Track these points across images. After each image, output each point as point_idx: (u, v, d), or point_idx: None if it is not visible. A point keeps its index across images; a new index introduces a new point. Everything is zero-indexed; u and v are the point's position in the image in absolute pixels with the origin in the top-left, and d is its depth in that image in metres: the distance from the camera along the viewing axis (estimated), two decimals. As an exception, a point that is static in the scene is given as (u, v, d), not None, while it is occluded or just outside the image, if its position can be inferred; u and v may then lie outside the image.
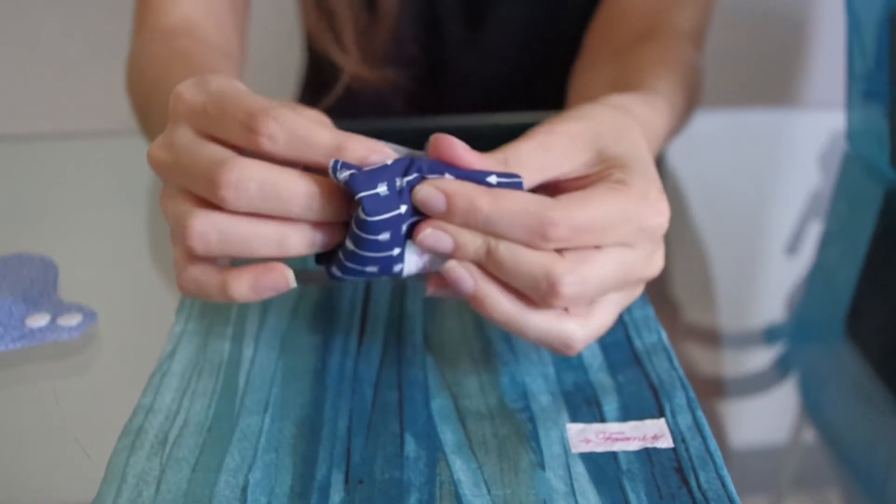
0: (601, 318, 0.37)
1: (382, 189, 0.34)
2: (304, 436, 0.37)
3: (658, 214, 0.37)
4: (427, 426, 0.37)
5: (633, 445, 0.36)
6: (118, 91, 0.63)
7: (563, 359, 0.41)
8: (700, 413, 0.37)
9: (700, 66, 0.64)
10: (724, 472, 0.34)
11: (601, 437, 0.36)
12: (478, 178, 0.35)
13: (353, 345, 0.42)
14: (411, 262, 0.36)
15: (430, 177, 0.35)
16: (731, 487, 0.33)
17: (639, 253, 0.37)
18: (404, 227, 0.35)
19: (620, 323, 0.43)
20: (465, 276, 0.35)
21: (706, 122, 0.69)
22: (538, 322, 0.36)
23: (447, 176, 0.35)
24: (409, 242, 0.36)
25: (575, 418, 0.37)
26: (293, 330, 0.43)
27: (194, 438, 0.36)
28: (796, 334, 0.48)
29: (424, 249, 0.35)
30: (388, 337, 0.43)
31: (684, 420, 0.37)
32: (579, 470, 0.35)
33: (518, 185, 0.35)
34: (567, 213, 0.34)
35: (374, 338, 0.43)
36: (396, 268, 0.36)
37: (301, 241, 0.36)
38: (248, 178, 0.34)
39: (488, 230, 0.35)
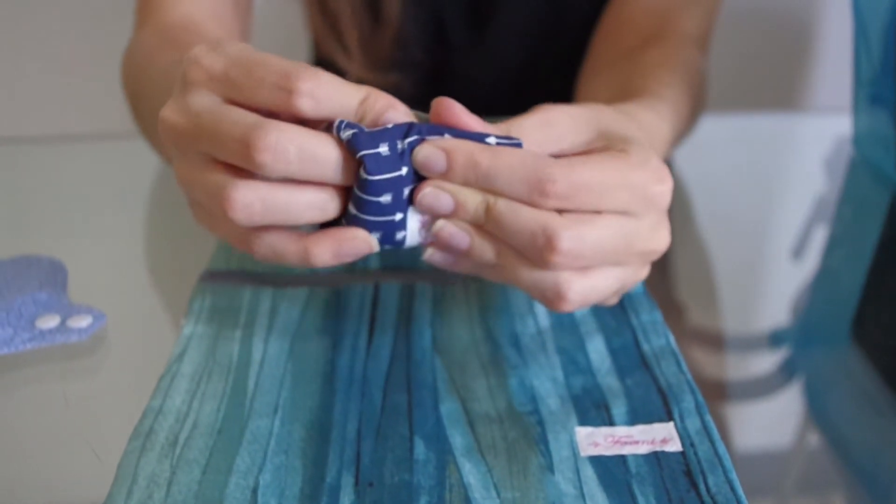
0: (598, 279, 0.36)
1: (384, 149, 0.35)
2: (314, 438, 0.37)
3: (659, 182, 0.36)
4: (436, 429, 0.37)
5: (642, 449, 0.36)
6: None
7: (572, 362, 0.41)
8: (708, 417, 0.37)
9: (705, 70, 0.64)
10: (733, 476, 0.34)
11: (610, 441, 0.36)
12: (477, 138, 0.36)
13: (361, 347, 0.42)
14: (413, 231, 0.36)
15: (431, 138, 0.35)
16: (740, 491, 0.33)
17: (640, 223, 0.36)
18: (406, 192, 0.35)
19: (629, 327, 0.43)
20: (459, 232, 0.36)
21: (712, 127, 0.69)
22: (532, 269, 0.36)
23: (447, 136, 0.36)
24: (411, 209, 0.36)
25: (584, 422, 0.37)
26: (302, 332, 0.43)
27: (204, 440, 0.36)
28: (802, 338, 0.48)
29: (424, 209, 0.36)
30: (397, 339, 0.43)
31: (693, 424, 0.37)
32: (588, 473, 0.35)
33: (517, 146, 0.36)
34: (567, 171, 0.34)
35: (383, 340, 0.43)
36: (399, 235, 0.36)
37: (338, 205, 0.36)
38: (287, 140, 0.33)
39: (487, 186, 0.35)
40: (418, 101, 0.77)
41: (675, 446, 0.36)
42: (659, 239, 0.38)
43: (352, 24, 0.71)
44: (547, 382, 0.40)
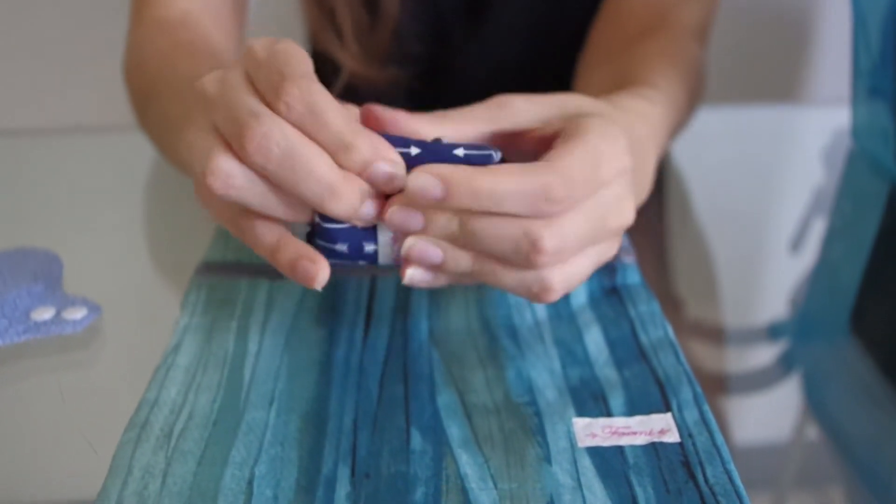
0: (578, 264, 0.37)
1: None
2: (310, 430, 0.36)
3: (616, 156, 0.36)
4: (433, 420, 0.37)
5: (640, 440, 0.36)
6: (123, 86, 0.63)
7: (570, 353, 0.41)
8: (707, 408, 0.37)
9: (703, 61, 0.64)
10: (732, 467, 0.34)
11: (607, 432, 0.36)
12: (446, 150, 0.36)
13: (358, 339, 0.42)
14: (385, 244, 0.36)
15: (400, 150, 0.35)
16: (739, 482, 0.33)
17: (608, 200, 0.36)
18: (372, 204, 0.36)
19: (626, 318, 0.43)
20: (430, 247, 0.35)
21: (711, 119, 0.69)
22: (515, 271, 0.36)
23: (412, 149, 0.35)
24: (379, 225, 0.36)
25: (581, 413, 0.37)
26: (298, 324, 0.43)
27: (200, 432, 0.36)
28: (800, 331, 0.48)
29: (393, 228, 0.35)
30: (394, 331, 0.43)
31: (691, 415, 0.37)
32: (586, 464, 0.35)
33: (488, 158, 0.36)
34: (564, 178, 0.34)
35: (380, 332, 0.43)
36: (368, 247, 0.36)
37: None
38: (274, 139, 0.33)
39: (491, 210, 0.34)
40: (415, 94, 0.78)
41: (673, 437, 0.36)
42: (626, 210, 0.38)
43: (347, 16, 0.71)
44: (544, 373, 0.40)
